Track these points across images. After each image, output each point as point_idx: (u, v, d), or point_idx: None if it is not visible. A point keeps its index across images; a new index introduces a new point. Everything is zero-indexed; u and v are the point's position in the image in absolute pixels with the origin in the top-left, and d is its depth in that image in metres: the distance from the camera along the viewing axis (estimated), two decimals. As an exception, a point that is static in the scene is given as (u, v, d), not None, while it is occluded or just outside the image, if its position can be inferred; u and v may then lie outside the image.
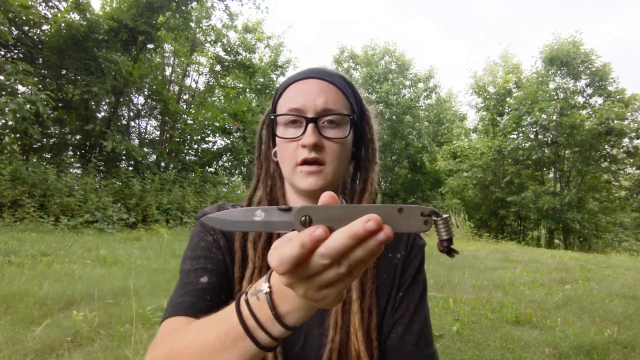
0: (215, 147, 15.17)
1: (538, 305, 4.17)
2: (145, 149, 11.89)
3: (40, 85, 8.42)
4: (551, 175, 15.71)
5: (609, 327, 3.44)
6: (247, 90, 17.86)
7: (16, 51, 8.86)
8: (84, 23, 9.06)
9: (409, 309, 0.75)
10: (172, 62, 14.23)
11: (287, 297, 0.44)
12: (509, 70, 17.71)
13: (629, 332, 3.36)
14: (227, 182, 14.37)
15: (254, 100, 17.16)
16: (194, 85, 15.28)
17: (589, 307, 4.17)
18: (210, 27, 13.96)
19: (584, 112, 15.01)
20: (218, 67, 14.93)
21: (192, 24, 12.28)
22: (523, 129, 15.08)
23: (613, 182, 15.10)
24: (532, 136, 14.97)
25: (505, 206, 15.36)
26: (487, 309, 3.93)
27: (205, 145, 14.94)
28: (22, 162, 8.07)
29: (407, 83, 20.50)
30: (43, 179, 7.56)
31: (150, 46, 11.64)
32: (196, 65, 14.72)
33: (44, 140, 9.53)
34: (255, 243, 0.75)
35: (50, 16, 9.01)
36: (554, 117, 14.20)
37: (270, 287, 0.45)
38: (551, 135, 14.31)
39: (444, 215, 0.40)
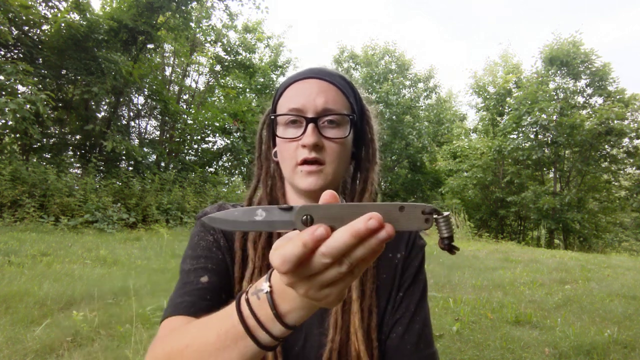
0: (215, 147, 15.20)
1: (538, 305, 4.17)
2: (145, 149, 11.89)
3: (40, 85, 8.42)
4: (551, 175, 15.71)
5: (609, 327, 3.44)
6: (247, 90, 17.86)
7: (16, 51, 8.86)
8: (84, 23, 9.07)
9: (409, 309, 0.75)
10: (172, 62, 14.24)
11: (287, 297, 0.44)
12: (509, 70, 17.71)
13: (629, 332, 3.35)
14: (227, 182, 14.37)
15: (254, 100, 17.16)
16: (194, 85, 15.31)
17: (589, 307, 4.17)
18: (210, 27, 13.96)
19: (584, 112, 15.01)
20: (218, 67, 14.94)
21: (192, 24, 12.28)
22: (523, 129, 15.09)
23: (613, 182, 15.11)
24: (532, 136, 14.98)
25: (505, 206, 15.36)
26: (487, 309, 3.93)
27: (205, 145, 14.94)
28: (22, 162, 8.07)
29: (407, 83, 20.51)
30: (43, 179, 7.56)
31: (150, 46, 11.64)
32: (196, 65, 14.73)
33: (44, 140, 9.53)
34: (256, 243, 0.75)
35: (50, 16, 9.01)
36: (554, 117, 14.20)
37: (270, 287, 0.45)
38: (551, 135, 14.31)
39: (445, 213, 0.40)
